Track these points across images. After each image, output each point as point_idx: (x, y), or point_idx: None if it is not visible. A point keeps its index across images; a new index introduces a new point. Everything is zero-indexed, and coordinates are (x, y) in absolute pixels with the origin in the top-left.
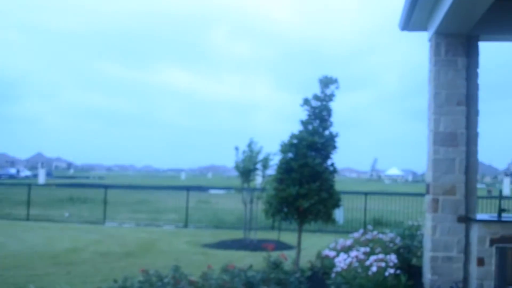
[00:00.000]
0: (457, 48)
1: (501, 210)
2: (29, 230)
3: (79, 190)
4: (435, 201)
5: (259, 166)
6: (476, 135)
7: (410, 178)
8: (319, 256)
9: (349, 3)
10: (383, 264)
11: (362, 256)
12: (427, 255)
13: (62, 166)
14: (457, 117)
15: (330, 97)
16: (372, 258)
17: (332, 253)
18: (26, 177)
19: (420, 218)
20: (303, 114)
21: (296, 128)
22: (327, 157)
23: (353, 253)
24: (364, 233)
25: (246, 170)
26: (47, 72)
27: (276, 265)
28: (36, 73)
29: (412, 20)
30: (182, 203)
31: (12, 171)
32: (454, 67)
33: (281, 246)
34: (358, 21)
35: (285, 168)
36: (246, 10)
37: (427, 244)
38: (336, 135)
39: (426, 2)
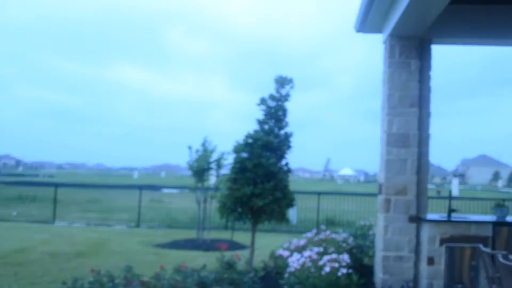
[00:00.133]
0: (411, 50)
1: (450, 211)
2: None
3: (28, 188)
4: (387, 201)
5: (213, 165)
6: (427, 136)
7: (362, 178)
8: (272, 256)
9: (306, 5)
10: (336, 264)
11: (315, 256)
12: (379, 254)
13: (10, 164)
14: (410, 118)
15: (286, 97)
16: (325, 258)
17: (285, 253)
18: None
19: (372, 218)
20: (260, 114)
21: (252, 127)
22: (281, 157)
23: (307, 253)
24: (318, 233)
25: (199, 170)
26: None
27: (230, 265)
28: None
29: (367, 22)
30: (134, 202)
31: None
32: (407, 69)
33: (234, 246)
34: (315, 23)
35: (240, 168)
36: (203, 8)
37: (379, 244)
38: (291, 135)
39: (381, 5)
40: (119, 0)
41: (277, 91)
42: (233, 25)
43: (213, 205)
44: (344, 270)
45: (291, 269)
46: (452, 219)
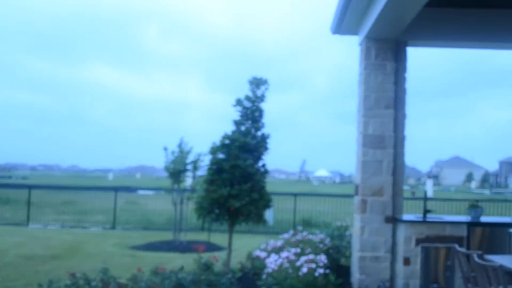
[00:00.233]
0: (387, 52)
1: (426, 211)
2: None
3: (0, 190)
4: (364, 202)
5: (189, 167)
6: (403, 138)
7: (337, 179)
8: (249, 257)
9: (282, 6)
10: (313, 265)
11: (292, 257)
12: (356, 255)
13: None
14: (386, 120)
15: (262, 98)
16: (303, 258)
17: (263, 254)
18: None
19: (348, 218)
20: (236, 115)
21: (229, 128)
22: (258, 158)
23: (284, 254)
24: (295, 234)
25: (176, 171)
26: None
27: (207, 267)
28: None
29: (343, 24)
30: (109, 204)
31: None
32: (383, 71)
33: (211, 247)
34: (291, 25)
35: (216, 169)
36: (178, 8)
37: (356, 244)
38: (268, 137)
39: (357, 7)
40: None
41: (253, 92)
42: (209, 26)
43: (190, 207)
44: (321, 271)
45: (268, 270)
46: (428, 219)
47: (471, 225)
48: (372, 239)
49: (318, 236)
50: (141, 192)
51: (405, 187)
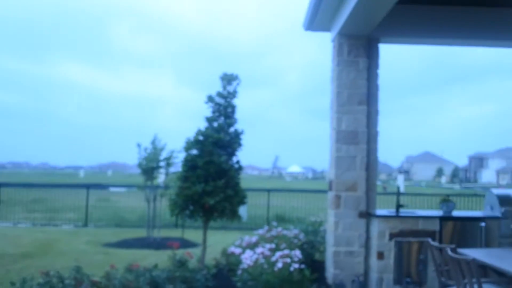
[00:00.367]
0: (359, 49)
1: (399, 206)
2: None
3: None
4: (338, 198)
5: (162, 163)
6: (376, 133)
7: (310, 175)
8: (224, 253)
9: (255, 3)
10: (288, 260)
11: (267, 253)
12: (330, 250)
13: None
14: (359, 116)
15: (233, 94)
16: (278, 254)
17: (238, 250)
18: None
19: (321, 214)
20: (208, 111)
21: (202, 125)
22: (232, 154)
23: (259, 250)
24: (269, 229)
25: (149, 168)
26: None
27: (182, 263)
28: None
29: (316, 21)
30: (81, 202)
31: None
32: (356, 67)
33: (185, 244)
34: (263, 21)
35: (190, 166)
36: (149, 5)
37: (330, 240)
38: (242, 133)
39: (329, 4)
40: None
41: (224, 88)
42: (180, 22)
43: (163, 204)
44: (296, 266)
45: (244, 265)
46: (401, 214)
47: (443, 219)
48: (346, 234)
49: (292, 232)
50: (113, 189)
51: (377, 183)
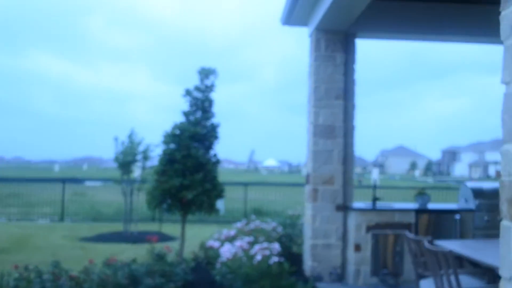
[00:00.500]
0: (336, 44)
1: (375, 199)
2: None
3: None
4: (315, 191)
5: (139, 157)
6: (352, 128)
7: (286, 168)
8: (202, 246)
9: None
10: (267, 253)
11: (246, 246)
12: (308, 243)
13: None
14: (336, 110)
15: (211, 87)
16: (257, 247)
17: (216, 244)
18: None
19: (298, 207)
20: (186, 105)
21: (179, 119)
22: (209, 148)
23: (238, 243)
24: (247, 223)
25: (126, 162)
26: None
27: (160, 257)
28: None
29: (293, 15)
30: (57, 196)
31: None
32: (333, 62)
33: (163, 237)
34: (240, 15)
35: (168, 159)
36: None
37: (308, 233)
38: (218, 126)
39: None
40: None
41: (202, 82)
42: (155, 16)
43: (140, 198)
44: (275, 259)
45: (223, 259)
46: (377, 207)
47: (419, 212)
48: (324, 227)
49: (270, 225)
50: (88, 183)
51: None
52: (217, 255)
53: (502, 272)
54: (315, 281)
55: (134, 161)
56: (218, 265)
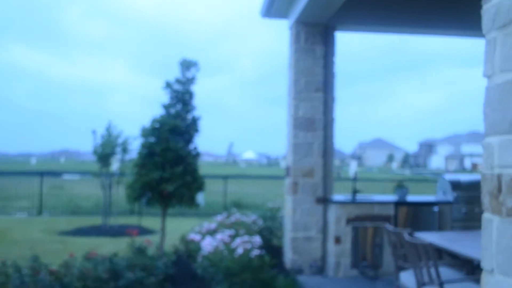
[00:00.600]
0: (316, 37)
1: (355, 192)
2: None
3: None
4: (295, 184)
5: (118, 150)
6: (332, 120)
7: (265, 161)
8: (183, 240)
9: None
10: (249, 246)
11: (227, 239)
12: (288, 235)
13: None
14: (315, 103)
15: (192, 80)
16: (238, 240)
17: (197, 237)
18: None
19: (278, 199)
20: (166, 98)
21: (158, 111)
22: (189, 141)
23: (219, 236)
24: (228, 216)
25: (105, 155)
26: None
27: (141, 251)
28: None
29: (273, 7)
30: (34, 189)
31: None
32: (312, 55)
33: (143, 231)
34: (219, 7)
35: (147, 153)
36: None
37: (288, 225)
38: (199, 119)
39: None
40: None
41: (183, 74)
42: (134, 7)
43: (119, 191)
44: (257, 252)
45: (204, 252)
46: (357, 200)
47: (398, 204)
48: (304, 220)
49: (250, 218)
50: (66, 176)
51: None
52: (198, 248)
53: (484, 264)
54: (296, 273)
55: (113, 153)
56: (199, 259)
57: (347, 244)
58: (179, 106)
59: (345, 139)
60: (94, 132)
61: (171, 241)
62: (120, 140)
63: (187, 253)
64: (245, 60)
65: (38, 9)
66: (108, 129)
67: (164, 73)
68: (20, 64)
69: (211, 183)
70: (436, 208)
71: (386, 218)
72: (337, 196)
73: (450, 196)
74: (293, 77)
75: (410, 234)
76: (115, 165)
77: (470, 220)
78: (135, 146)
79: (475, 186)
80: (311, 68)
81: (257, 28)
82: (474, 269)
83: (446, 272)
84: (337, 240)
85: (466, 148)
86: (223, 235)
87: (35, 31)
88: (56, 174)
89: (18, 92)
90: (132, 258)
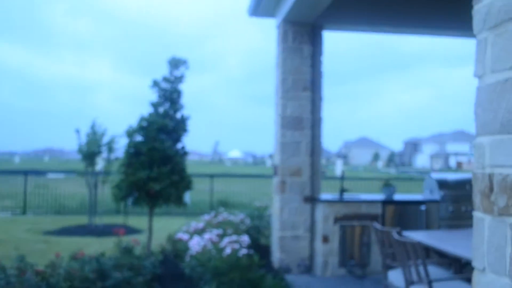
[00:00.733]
0: (303, 36)
1: (342, 190)
2: None
3: None
4: (283, 183)
5: (103, 149)
6: (320, 119)
7: (250, 160)
8: (170, 239)
9: None
10: (237, 245)
11: (215, 238)
12: (276, 234)
13: None
14: (303, 102)
15: (180, 78)
16: (226, 239)
17: (185, 236)
18: None
19: (265, 198)
20: (153, 96)
21: (145, 110)
22: (177, 140)
23: (207, 236)
24: (216, 215)
25: (90, 153)
26: None
27: (128, 251)
28: None
29: (261, 6)
30: (18, 188)
31: None
32: (300, 54)
33: (129, 230)
34: (206, 5)
35: (134, 152)
36: None
37: (276, 224)
38: (188, 118)
39: None
40: None
41: (171, 72)
42: (120, 4)
43: (105, 190)
44: (245, 251)
45: (192, 252)
46: (344, 199)
47: (385, 203)
48: (292, 219)
49: (238, 217)
50: (51, 175)
51: None
52: (185, 248)
53: (475, 263)
54: (284, 272)
55: (98, 152)
56: (187, 258)
57: (334, 243)
58: (167, 105)
59: (330, 137)
60: (78, 131)
61: (158, 241)
62: (105, 139)
63: (174, 252)
64: (232, 58)
65: (22, 5)
66: (93, 127)
67: (150, 71)
68: (3, 62)
69: (197, 181)
70: (423, 207)
71: (373, 217)
72: (325, 195)
73: (437, 195)
74: (280, 76)
75: (399, 233)
76: (100, 164)
77: (457, 219)
78: (121, 145)
79: (461, 185)
80: (298, 67)
81: (245, 27)
82: (462, 267)
83: (434, 270)
84: (325, 239)
85: (451, 147)
86: (211, 235)
87: (19, 28)
88: (40, 173)
89: (0, 90)
90: (119, 258)
